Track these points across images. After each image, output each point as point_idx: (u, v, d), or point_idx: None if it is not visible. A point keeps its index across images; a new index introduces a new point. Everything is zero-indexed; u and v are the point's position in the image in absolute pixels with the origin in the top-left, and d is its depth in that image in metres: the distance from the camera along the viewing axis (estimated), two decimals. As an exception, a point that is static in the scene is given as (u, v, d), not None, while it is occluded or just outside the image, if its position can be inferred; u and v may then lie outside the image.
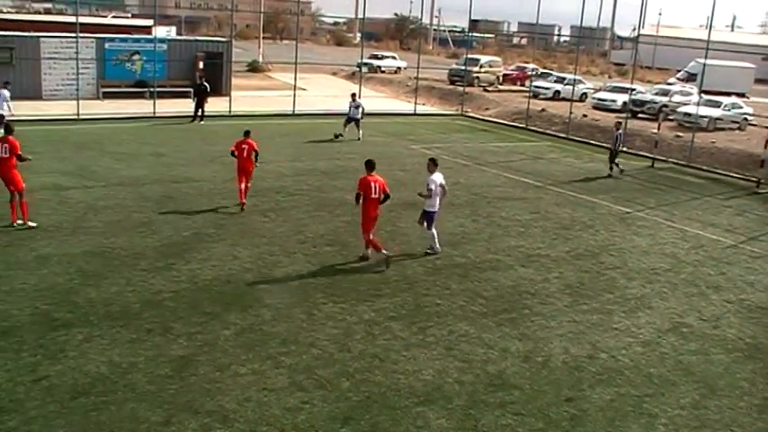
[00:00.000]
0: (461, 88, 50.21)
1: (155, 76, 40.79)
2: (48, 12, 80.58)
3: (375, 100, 48.50)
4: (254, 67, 64.51)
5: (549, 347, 13.07)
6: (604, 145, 35.03)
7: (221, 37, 59.72)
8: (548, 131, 40.85)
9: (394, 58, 71.98)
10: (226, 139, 26.58)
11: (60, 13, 75.10)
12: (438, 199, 17.45)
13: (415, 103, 46.59)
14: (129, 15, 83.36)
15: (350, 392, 10.99)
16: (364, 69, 56.05)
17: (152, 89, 39.66)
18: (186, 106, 37.45)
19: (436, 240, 17.74)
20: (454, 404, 10.88)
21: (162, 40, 45.57)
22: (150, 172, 24.52)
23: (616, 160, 29.56)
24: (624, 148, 32.20)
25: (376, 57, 69.84)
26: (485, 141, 36.40)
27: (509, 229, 20.45)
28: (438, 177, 17.35)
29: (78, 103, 35.14)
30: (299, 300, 14.35)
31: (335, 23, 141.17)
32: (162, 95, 39.53)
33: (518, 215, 21.87)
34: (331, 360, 11.97)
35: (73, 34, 38.83)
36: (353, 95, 35.72)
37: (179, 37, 60.99)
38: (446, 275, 16.29)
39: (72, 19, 42.08)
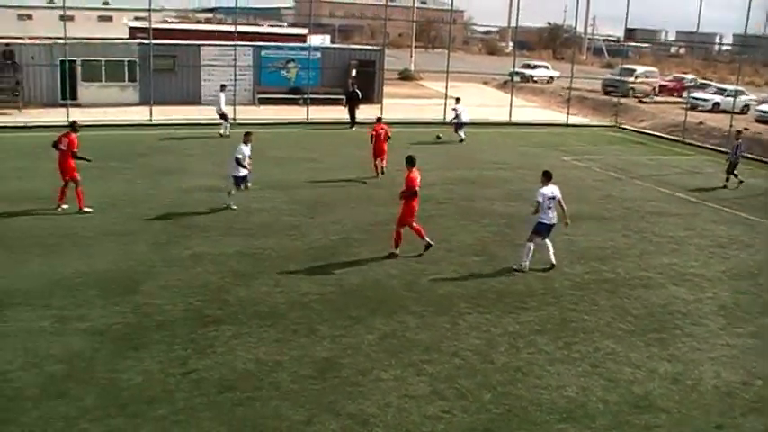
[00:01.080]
0: (615, 99, 49.08)
1: (308, 84, 41.79)
2: (208, 21, 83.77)
3: (526, 110, 48.09)
4: (405, 76, 65.09)
5: (699, 370, 12.55)
6: (766, 160, 33.49)
7: (374, 45, 60.56)
8: (705, 145, 39.28)
9: (546, 67, 71.00)
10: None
11: (220, 22, 77.99)
12: (552, 212, 16.72)
13: (568, 114, 45.85)
14: (285, 24, 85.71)
15: (491, 404, 10.90)
16: (516, 79, 55.61)
17: (306, 96, 40.63)
18: (339, 113, 38.12)
19: (528, 257, 16.88)
20: (597, 423, 10.62)
21: (316, 49, 46.66)
22: (302, 176, 25.13)
23: (735, 171, 28.27)
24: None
25: (528, 66, 69.10)
26: (639, 154, 35.40)
27: (662, 245, 19.80)
28: (548, 190, 16.69)
29: (235, 109, 36.34)
30: (444, 308, 14.36)
31: (488, 32, 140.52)
32: (315, 102, 40.45)
33: (671, 231, 21.14)
34: (473, 370, 11.92)
35: (231, 42, 40.29)
36: (457, 100, 36.60)
37: (333, 45, 62.23)
38: (594, 291, 15.93)
39: (231, 28, 43.64)
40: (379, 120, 27.10)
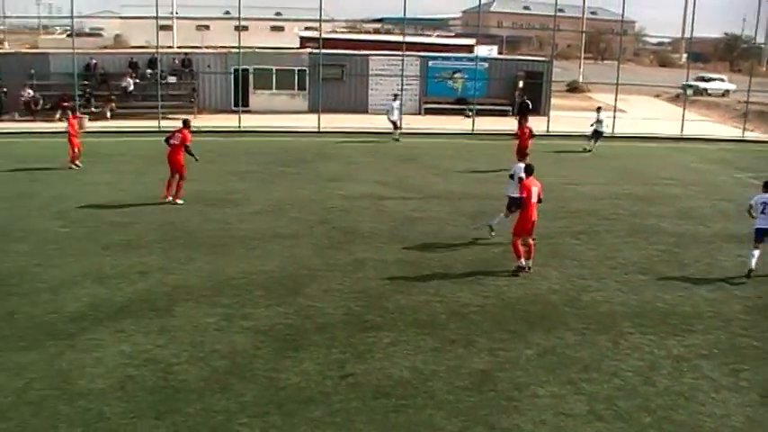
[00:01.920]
0: (798, 114, 46.59)
1: (475, 94, 41.76)
2: (377, 31, 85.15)
3: (699, 124, 46.31)
4: (573, 87, 64.05)
5: None
6: None
7: (542, 56, 59.93)
8: None
9: (722, 80, 68.20)
10: (542, 157, 26.54)
11: (388, 32, 79.11)
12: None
13: (744, 129, 43.84)
14: (453, 35, 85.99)
15: (650, 429, 10.47)
16: (689, 92, 53.68)
17: (472, 107, 40.61)
18: (505, 124, 37.91)
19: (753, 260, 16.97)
20: (768, 456, 10.05)
21: (483, 59, 46.58)
22: (465, 187, 25.11)
23: None
24: None
25: (702, 78, 66.56)
26: (822, 173, 33.40)
27: None
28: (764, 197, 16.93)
29: (401, 118, 36.75)
30: (606, 327, 13.95)
31: (660, 43, 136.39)
32: (481, 113, 40.38)
33: None
34: (633, 392, 11.51)
35: (399, 52, 40.79)
36: (598, 109, 35.81)
37: (500, 56, 61.99)
38: (766, 316, 15.08)
39: (399, 38, 44.21)
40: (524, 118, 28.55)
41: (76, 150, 26.77)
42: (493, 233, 18.78)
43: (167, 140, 21.97)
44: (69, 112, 29.18)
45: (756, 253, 16.93)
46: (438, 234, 19.42)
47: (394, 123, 34.97)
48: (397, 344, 12.67)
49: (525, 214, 16.53)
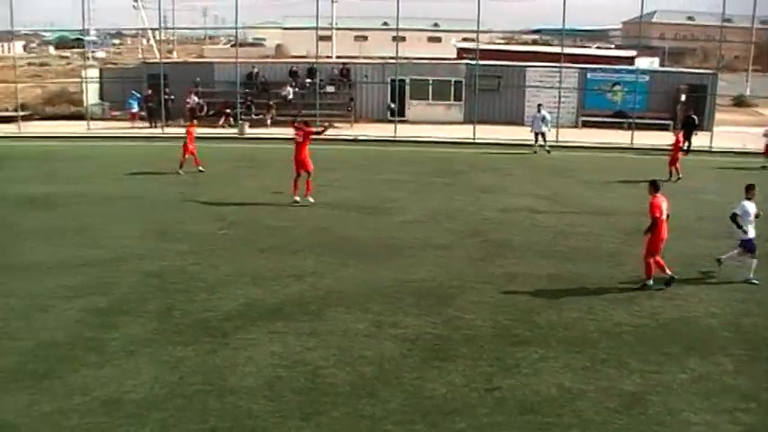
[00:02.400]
0: None
1: (634, 108, 40.73)
2: (534, 42, 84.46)
3: None
4: (739, 102, 61.47)
5: None
6: None
7: (706, 69, 57.82)
8: None
9: None
10: (705, 176, 25.62)
11: (546, 43, 78.34)
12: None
13: None
14: (613, 46, 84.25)
15: (815, 465, 9.93)
16: None
17: (631, 120, 39.62)
18: (664, 138, 36.69)
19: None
20: None
21: (644, 72, 45.42)
22: (622, 202, 24.48)
23: None
24: None
25: None
26: None
27: None
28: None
29: (558, 131, 36.25)
30: (767, 354, 13.30)
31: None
32: (640, 127, 39.32)
33: None
34: (797, 426, 10.93)
35: (557, 64, 40.27)
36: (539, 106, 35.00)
37: (661, 68, 60.23)
38: None
39: (557, 49, 43.67)
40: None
41: (186, 156, 27.92)
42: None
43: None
44: (192, 120, 30.64)
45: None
46: (593, 250, 19.01)
47: (539, 135, 34.58)
48: (545, 360, 12.50)
49: (658, 232, 16.13)
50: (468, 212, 22.32)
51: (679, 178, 28.42)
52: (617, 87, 44.10)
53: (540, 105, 35.65)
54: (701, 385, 11.96)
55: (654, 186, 16.51)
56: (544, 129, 34.82)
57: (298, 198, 22.23)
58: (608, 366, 12.41)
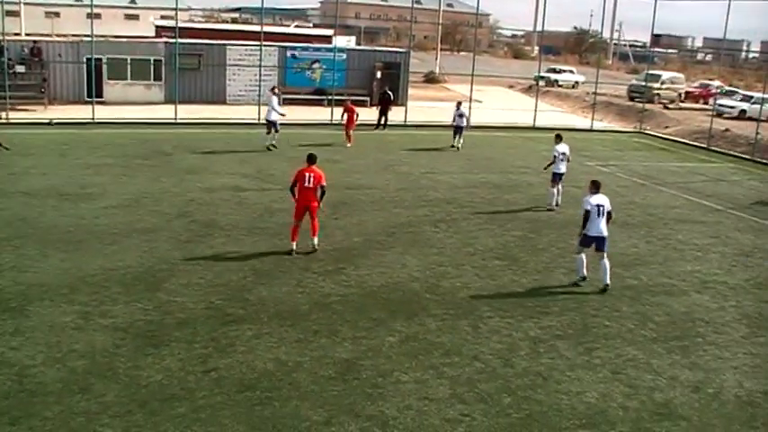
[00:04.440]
0: (641, 105, 48.77)
1: (333, 85, 41.84)
2: (234, 21, 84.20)
3: (551, 114, 47.94)
4: (430, 78, 65.09)
5: (721, 379, 12.42)
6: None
7: (399, 47, 60.59)
8: (731, 152, 38.94)
9: (572, 72, 70.79)
10: (400, 149, 26.95)
11: (246, 22, 78.37)
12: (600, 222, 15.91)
13: (592, 119, 45.66)
14: (311, 25, 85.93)
15: (510, 409, 10.86)
16: (541, 83, 55.49)
17: (330, 97, 40.69)
18: (363, 114, 38.09)
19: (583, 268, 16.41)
20: (617, 430, 10.54)
21: (341, 50, 46.72)
22: (327, 177, 25.09)
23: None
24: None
25: (554, 71, 68.91)
26: (663, 161, 35.15)
27: (685, 252, 19.66)
28: (597, 199, 16.02)
29: (259, 108, 36.45)
30: (465, 312, 14.33)
31: (513, 36, 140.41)
32: (340, 103, 40.50)
33: (695, 239, 20.98)
34: (493, 375, 11.88)
35: (257, 42, 40.46)
36: (459, 103, 34.49)
37: (358, 47, 62.31)
38: (616, 297, 15.82)
39: (257, 28, 43.85)
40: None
41: None
42: None
43: None
44: None
45: (584, 259, 16.37)
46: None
47: (271, 124, 30.21)
48: (260, 336, 12.64)
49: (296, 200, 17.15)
50: (173, 194, 21.89)
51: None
52: (316, 65, 45.06)
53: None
54: (409, 345, 12.68)
55: (307, 159, 17.40)
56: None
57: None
58: (320, 336, 12.79)
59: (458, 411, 10.66)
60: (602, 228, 15.92)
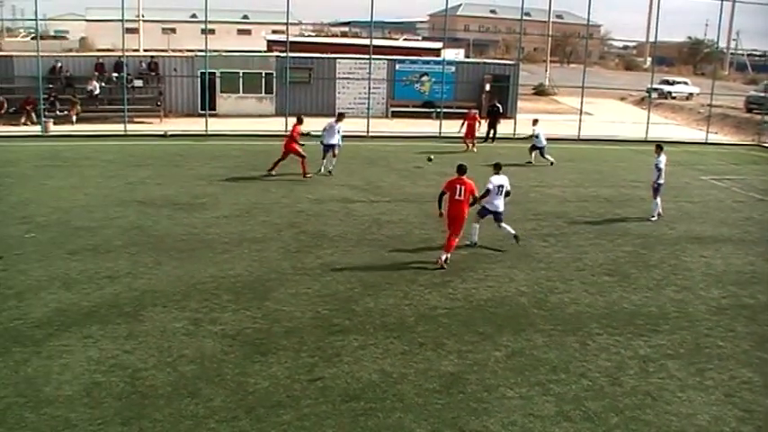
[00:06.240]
0: (759, 117, 47.10)
1: (442, 98, 41.87)
2: (344, 35, 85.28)
3: (664, 127, 46.82)
4: (540, 91, 64.50)
5: None
6: None
7: (509, 60, 60.25)
8: None
9: (686, 83, 68.93)
10: (508, 162, 26.69)
11: (356, 36, 79.29)
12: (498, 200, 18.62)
13: (707, 132, 44.36)
14: (420, 38, 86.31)
15: (618, 429, 10.58)
16: (654, 95, 54.23)
17: (439, 110, 40.72)
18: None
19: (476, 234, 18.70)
20: (733, 455, 10.17)
21: (450, 63, 46.81)
22: (434, 189, 25.08)
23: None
24: None
25: (667, 82, 67.21)
26: (783, 175, 33.84)
27: (806, 271, 18.83)
28: (498, 180, 18.53)
29: (368, 121, 36.76)
30: (573, 328, 14.06)
31: (625, 47, 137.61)
32: (448, 116, 40.48)
33: (818, 257, 20.08)
34: (601, 393, 11.61)
35: (366, 56, 40.84)
36: (535, 121, 32.61)
37: (467, 59, 62.23)
38: (731, 316, 15.26)
39: (366, 42, 44.29)
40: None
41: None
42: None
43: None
44: None
45: (478, 226, 18.77)
46: (406, 237, 19.45)
47: (329, 148, 27.57)
48: (365, 347, 12.68)
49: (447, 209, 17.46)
50: (283, 204, 22.27)
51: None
52: (425, 78, 45.21)
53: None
54: (515, 361, 12.51)
55: (458, 169, 17.51)
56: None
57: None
58: (426, 349, 12.75)
59: (564, 429, 10.45)
60: (497, 204, 18.60)
